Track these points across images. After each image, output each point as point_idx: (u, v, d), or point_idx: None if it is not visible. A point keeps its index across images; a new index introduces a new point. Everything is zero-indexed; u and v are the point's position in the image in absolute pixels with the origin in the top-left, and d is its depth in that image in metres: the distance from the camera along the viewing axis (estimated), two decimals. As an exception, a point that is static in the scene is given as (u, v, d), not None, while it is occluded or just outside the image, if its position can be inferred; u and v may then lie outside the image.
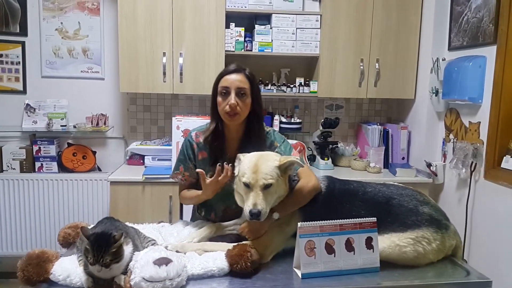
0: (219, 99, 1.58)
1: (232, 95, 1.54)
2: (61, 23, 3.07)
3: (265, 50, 2.93)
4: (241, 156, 1.44)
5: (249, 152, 1.50)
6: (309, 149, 3.22)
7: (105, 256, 1.10)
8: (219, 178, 1.48)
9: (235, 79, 1.56)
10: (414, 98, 3.07)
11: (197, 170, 1.54)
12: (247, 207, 1.31)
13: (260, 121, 1.65)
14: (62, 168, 3.08)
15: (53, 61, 3.10)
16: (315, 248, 1.25)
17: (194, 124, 2.03)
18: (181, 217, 2.59)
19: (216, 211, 1.72)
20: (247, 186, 1.34)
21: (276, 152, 1.60)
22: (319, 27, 2.94)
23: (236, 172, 1.43)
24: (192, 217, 1.89)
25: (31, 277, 1.15)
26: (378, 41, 2.96)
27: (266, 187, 1.33)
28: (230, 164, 1.51)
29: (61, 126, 3.05)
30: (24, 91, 3.09)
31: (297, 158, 1.41)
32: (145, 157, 2.97)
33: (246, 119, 1.62)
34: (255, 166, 1.35)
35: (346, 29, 2.93)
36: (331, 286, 1.22)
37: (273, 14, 2.90)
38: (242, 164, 1.39)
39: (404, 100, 3.17)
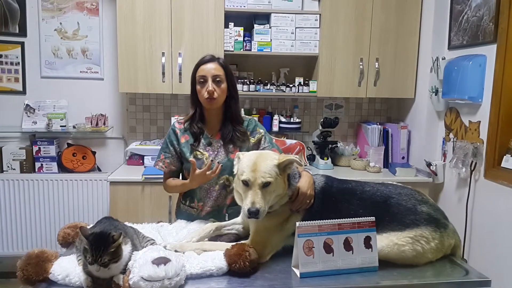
0: (198, 87, 1.75)
1: (209, 82, 1.71)
2: (60, 23, 3.08)
3: (264, 50, 2.93)
4: (240, 154, 1.44)
5: (229, 132, 1.73)
6: (309, 148, 3.22)
7: (104, 256, 1.10)
8: (207, 172, 1.60)
9: (210, 68, 1.73)
10: (414, 98, 3.06)
11: (190, 159, 1.67)
12: (245, 205, 1.31)
13: (236, 103, 1.82)
14: (62, 168, 3.09)
15: (52, 61, 3.11)
16: (314, 247, 1.25)
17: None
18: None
19: (198, 195, 1.79)
20: (246, 184, 1.34)
21: (261, 136, 1.81)
22: (318, 26, 2.93)
23: (235, 170, 1.43)
24: (176, 208, 1.92)
25: (30, 276, 1.16)
26: (378, 40, 2.96)
27: (264, 186, 1.33)
28: (220, 164, 1.67)
29: (61, 126, 3.05)
30: (23, 92, 3.10)
31: (296, 157, 1.42)
32: (145, 157, 2.97)
33: (224, 103, 1.78)
34: (254, 164, 1.35)
35: (345, 28, 2.93)
36: (330, 285, 1.22)
37: (272, 14, 2.90)
38: (241, 162, 1.40)
39: (404, 99, 3.17)
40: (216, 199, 1.77)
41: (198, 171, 1.62)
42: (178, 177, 1.87)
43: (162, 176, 2.62)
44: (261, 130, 1.84)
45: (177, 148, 1.79)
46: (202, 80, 1.72)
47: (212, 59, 1.76)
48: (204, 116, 1.80)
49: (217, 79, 1.72)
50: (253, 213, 1.30)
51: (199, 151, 1.76)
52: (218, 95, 1.71)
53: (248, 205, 1.30)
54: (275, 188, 1.35)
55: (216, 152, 1.77)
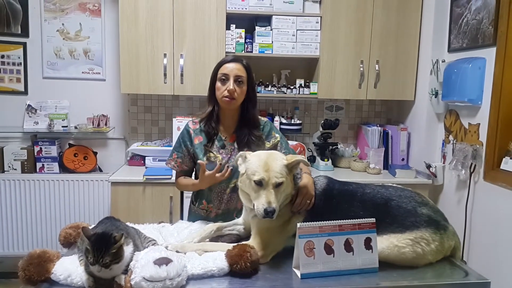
0: (218, 84, 1.71)
1: (231, 81, 1.68)
2: (63, 24, 3.09)
3: (265, 52, 2.94)
4: (247, 154, 1.44)
5: (244, 136, 1.70)
6: (309, 150, 3.23)
7: (105, 256, 1.10)
8: (217, 175, 1.59)
9: (234, 68, 1.70)
10: (414, 100, 3.07)
11: (199, 161, 1.66)
12: (261, 205, 1.31)
13: (254, 107, 1.78)
14: (63, 169, 3.10)
15: (54, 62, 3.12)
16: (314, 248, 1.25)
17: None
18: (181, 218, 2.61)
19: (209, 197, 1.78)
20: (259, 184, 1.34)
21: (278, 142, 1.78)
22: (319, 28, 2.95)
23: (242, 170, 1.42)
24: (188, 209, 1.92)
25: (32, 276, 1.16)
26: (378, 42, 2.97)
27: (277, 186, 1.34)
28: (230, 167, 1.62)
29: (62, 127, 3.06)
30: (25, 92, 3.11)
31: (302, 157, 1.43)
32: (146, 157, 2.98)
33: (241, 105, 1.75)
34: (265, 164, 1.36)
35: (346, 31, 2.94)
36: (330, 286, 1.23)
37: (273, 16, 2.91)
38: (250, 162, 1.39)
39: (404, 101, 3.18)
40: (226, 202, 1.76)
41: (207, 172, 1.60)
42: (190, 176, 1.86)
43: (163, 177, 2.66)
44: (277, 135, 1.81)
45: (190, 149, 1.77)
46: (224, 78, 1.69)
47: (236, 59, 1.73)
48: (219, 116, 1.77)
49: (239, 80, 1.69)
50: (270, 213, 1.30)
51: (213, 153, 1.73)
52: (238, 95, 1.68)
53: (265, 205, 1.30)
54: (285, 187, 1.37)
55: (229, 155, 1.74)
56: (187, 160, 1.79)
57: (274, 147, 1.77)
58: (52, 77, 3.12)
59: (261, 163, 1.36)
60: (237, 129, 1.77)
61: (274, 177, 1.33)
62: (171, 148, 1.86)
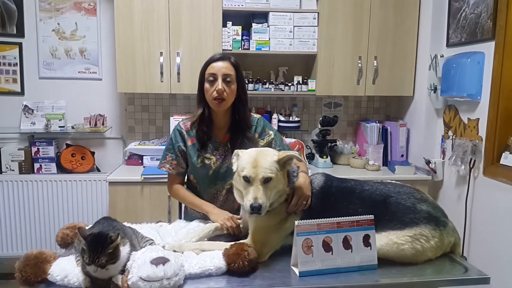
0: (206, 85, 1.66)
1: (219, 81, 1.62)
2: (58, 24, 3.07)
3: (262, 49, 2.92)
4: (240, 152, 1.44)
5: (238, 137, 1.66)
6: (308, 147, 3.22)
7: (101, 256, 1.10)
8: (229, 224, 1.53)
9: (221, 66, 1.64)
10: (413, 95, 3.06)
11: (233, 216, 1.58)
12: (248, 201, 1.31)
13: (245, 106, 1.73)
14: (61, 169, 3.08)
15: (50, 62, 3.10)
16: (313, 246, 1.25)
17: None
18: (179, 217, 2.60)
19: (205, 200, 1.75)
20: (247, 180, 1.34)
21: (272, 139, 1.75)
22: (316, 24, 2.93)
23: (234, 168, 1.43)
24: (184, 211, 1.92)
25: (29, 277, 1.15)
26: (376, 38, 2.95)
27: (266, 181, 1.33)
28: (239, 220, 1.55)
29: (59, 127, 3.04)
30: (21, 93, 3.09)
31: (295, 153, 1.42)
32: (144, 157, 2.97)
33: (232, 105, 1.69)
34: (254, 160, 1.35)
35: (343, 27, 2.93)
36: (329, 283, 1.22)
37: (270, 12, 2.89)
38: (241, 159, 1.39)
39: (402, 97, 3.16)
40: (223, 203, 1.74)
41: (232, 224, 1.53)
42: (184, 178, 1.83)
43: (161, 176, 2.64)
44: (271, 132, 1.77)
45: (184, 149, 1.73)
46: (211, 78, 1.63)
47: (224, 57, 1.67)
48: (211, 118, 1.71)
49: (227, 79, 1.63)
50: (255, 208, 1.29)
51: (206, 157, 1.71)
52: (227, 95, 1.63)
53: (251, 200, 1.30)
54: (275, 183, 1.35)
55: (223, 156, 1.71)
56: (182, 161, 1.76)
57: (268, 145, 1.73)
58: (48, 77, 3.11)
59: (250, 160, 1.36)
60: (230, 129, 1.73)
61: (261, 173, 1.32)
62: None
